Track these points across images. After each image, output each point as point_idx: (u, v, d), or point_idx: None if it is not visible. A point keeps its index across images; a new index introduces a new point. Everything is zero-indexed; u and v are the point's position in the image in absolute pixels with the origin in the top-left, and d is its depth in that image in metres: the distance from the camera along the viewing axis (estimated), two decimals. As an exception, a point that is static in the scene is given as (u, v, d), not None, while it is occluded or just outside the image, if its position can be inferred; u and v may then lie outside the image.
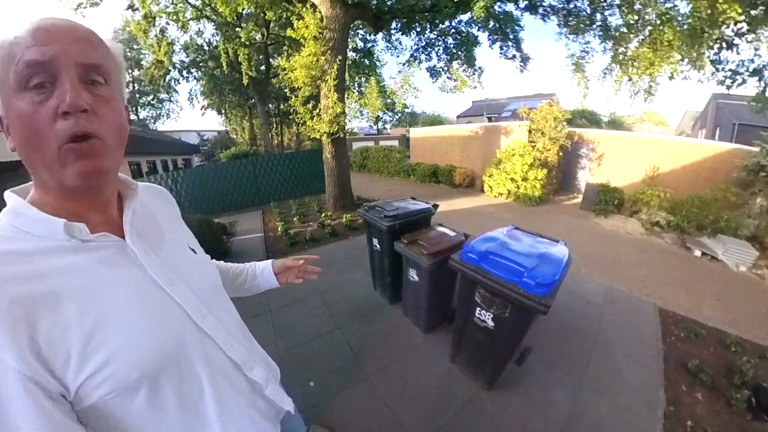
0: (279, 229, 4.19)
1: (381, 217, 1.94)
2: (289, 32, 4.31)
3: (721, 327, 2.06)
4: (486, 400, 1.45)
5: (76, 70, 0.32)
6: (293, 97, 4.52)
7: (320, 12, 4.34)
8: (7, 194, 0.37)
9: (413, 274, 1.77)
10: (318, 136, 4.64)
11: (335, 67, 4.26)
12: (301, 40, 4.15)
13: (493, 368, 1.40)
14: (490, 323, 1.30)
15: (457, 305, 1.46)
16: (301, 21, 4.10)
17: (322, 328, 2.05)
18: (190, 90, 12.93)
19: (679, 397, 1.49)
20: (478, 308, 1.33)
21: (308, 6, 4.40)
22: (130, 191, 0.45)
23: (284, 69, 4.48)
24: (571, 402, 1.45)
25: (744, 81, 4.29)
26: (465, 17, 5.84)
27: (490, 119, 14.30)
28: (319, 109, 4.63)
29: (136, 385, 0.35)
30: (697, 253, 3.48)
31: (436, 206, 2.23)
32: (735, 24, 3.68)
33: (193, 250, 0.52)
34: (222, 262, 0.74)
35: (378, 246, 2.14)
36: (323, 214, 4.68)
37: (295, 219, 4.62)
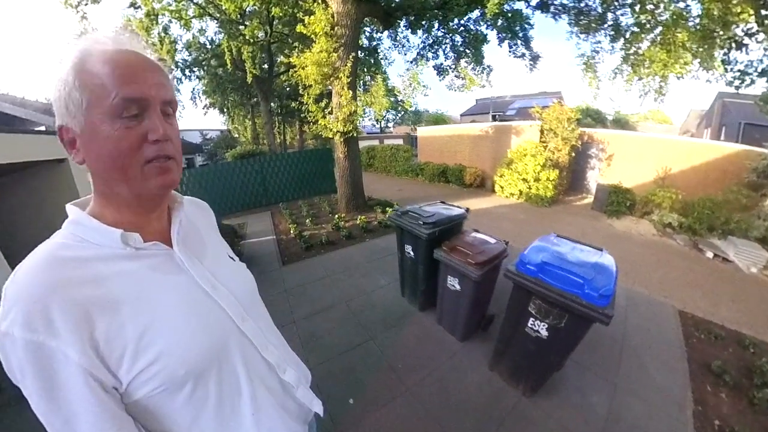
0: (291, 231, 4.12)
1: (419, 224, 1.89)
2: (299, 28, 4.19)
3: (738, 328, 2.10)
4: (529, 407, 1.47)
5: (160, 106, 0.38)
6: (305, 95, 4.37)
7: (331, 8, 4.27)
8: (69, 206, 0.41)
9: (454, 283, 1.73)
10: (331, 135, 4.54)
11: (348, 65, 4.17)
12: (312, 36, 4.06)
13: (539, 376, 1.42)
14: (544, 333, 1.31)
15: (507, 315, 1.46)
16: (312, 17, 4.00)
17: (354, 338, 1.97)
18: (193, 89, 12.79)
19: (705, 397, 1.55)
20: (531, 318, 1.34)
21: (319, 1, 4.33)
22: (176, 204, 0.50)
23: (294, 66, 4.39)
24: (608, 404, 1.49)
25: (753, 81, 4.29)
26: (474, 14, 5.78)
27: (495, 118, 14.24)
28: (331, 108, 4.54)
29: (182, 382, 0.38)
30: (709, 254, 3.51)
31: (468, 210, 2.20)
32: (745, 24, 3.68)
33: (231, 258, 0.56)
34: None
35: (412, 253, 2.08)
36: (337, 216, 4.58)
37: (307, 221, 4.55)
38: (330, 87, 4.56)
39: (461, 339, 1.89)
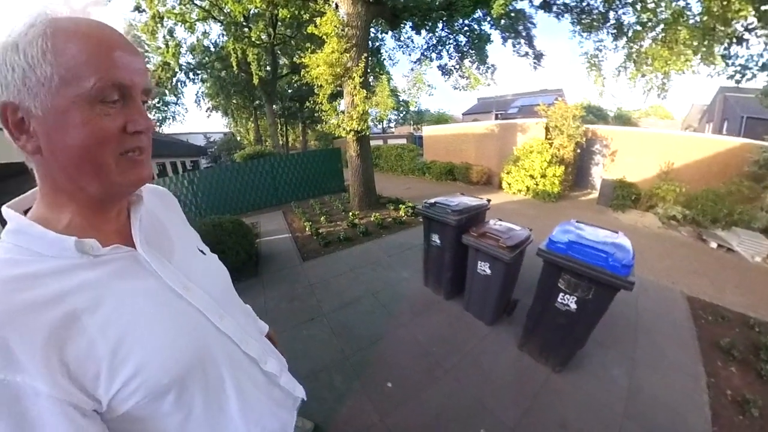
0: (307, 229, 4.19)
1: (448, 212, 1.99)
2: (311, 29, 4.28)
3: (743, 311, 2.22)
4: (559, 381, 1.59)
5: (142, 95, 0.35)
6: (320, 94, 4.44)
7: (342, 9, 4.32)
8: (6, 211, 0.35)
9: (485, 268, 1.82)
10: (344, 135, 4.62)
11: (361, 65, 4.26)
12: (324, 37, 4.15)
13: (569, 349, 1.55)
14: (573, 306, 1.42)
15: (537, 293, 1.57)
16: (324, 17, 4.08)
17: (385, 327, 2.04)
18: (197, 92, 12.88)
19: (716, 371, 1.67)
20: (561, 293, 1.45)
21: (330, 3, 4.41)
22: (135, 197, 0.45)
23: (305, 66, 4.43)
24: (629, 377, 1.62)
25: (754, 75, 4.38)
26: (477, 14, 5.87)
27: (497, 116, 14.38)
28: (345, 107, 4.61)
29: (165, 390, 0.36)
30: (713, 245, 3.61)
31: (489, 201, 2.32)
32: (744, 20, 3.80)
33: (201, 251, 0.52)
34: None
35: (438, 241, 2.17)
36: (351, 214, 4.65)
37: (321, 219, 4.62)
38: (339, 87, 4.62)
39: (489, 323, 1.99)
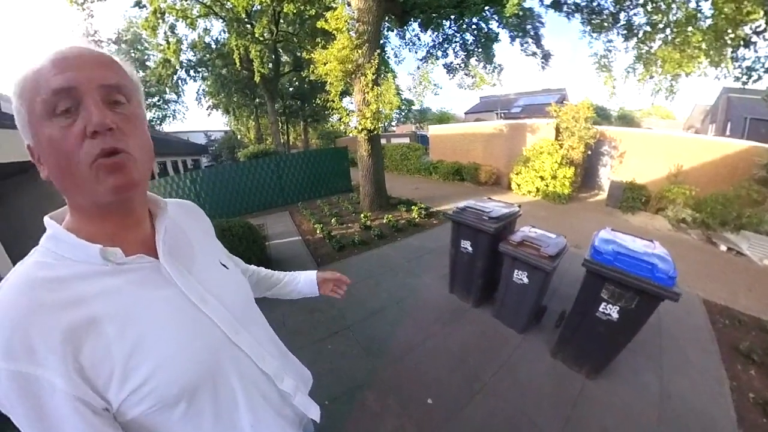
0: (318, 231, 4.10)
1: (483, 219, 1.95)
2: (320, 23, 4.20)
3: (757, 315, 2.24)
4: (594, 388, 1.60)
5: (99, 92, 0.33)
6: (331, 91, 4.35)
7: (353, 4, 4.24)
8: (47, 219, 0.38)
9: (522, 277, 1.78)
10: (356, 134, 4.55)
11: (374, 62, 4.17)
12: (334, 32, 4.06)
13: (606, 357, 1.55)
14: (615, 316, 1.43)
15: (577, 302, 1.57)
16: (334, 12, 3.99)
17: (415, 338, 1.97)
18: (198, 89, 12.63)
19: (737, 374, 1.71)
20: (603, 303, 1.45)
21: None
22: (159, 209, 0.46)
23: (314, 62, 4.33)
24: (659, 382, 1.64)
25: (759, 77, 4.41)
26: (484, 13, 5.80)
27: (500, 116, 14.34)
28: (356, 106, 4.52)
29: (175, 400, 0.36)
30: (723, 248, 3.61)
31: (519, 206, 2.26)
32: (753, 23, 3.83)
33: (224, 265, 0.53)
34: (263, 269, 0.75)
35: (470, 248, 2.11)
36: (363, 215, 4.56)
37: (332, 221, 4.52)
38: (347, 85, 4.53)
39: (521, 331, 1.96)
